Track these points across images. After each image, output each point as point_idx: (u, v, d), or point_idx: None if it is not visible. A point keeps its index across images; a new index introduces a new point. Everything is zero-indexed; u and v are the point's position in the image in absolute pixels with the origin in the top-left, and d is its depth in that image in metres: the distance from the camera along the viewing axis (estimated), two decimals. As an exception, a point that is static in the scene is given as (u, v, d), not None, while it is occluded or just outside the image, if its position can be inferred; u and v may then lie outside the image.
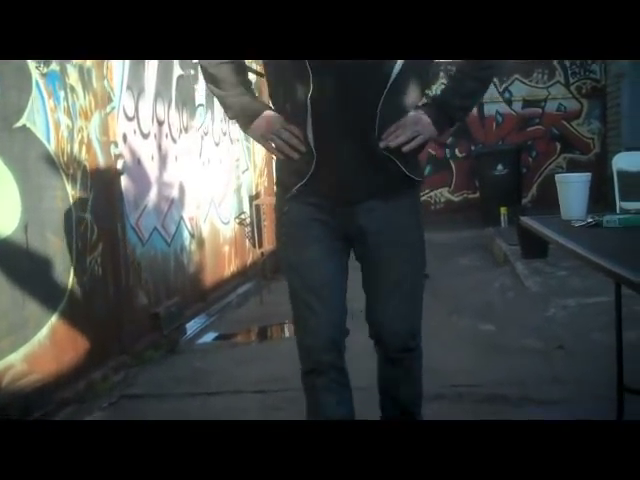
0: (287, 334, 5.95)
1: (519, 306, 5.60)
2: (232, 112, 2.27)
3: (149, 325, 4.71)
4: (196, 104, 5.84)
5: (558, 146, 12.99)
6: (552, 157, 13.00)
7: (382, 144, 2.08)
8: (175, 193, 5.33)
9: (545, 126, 12.93)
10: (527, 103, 12.98)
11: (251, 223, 7.33)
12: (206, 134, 6.12)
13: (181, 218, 5.43)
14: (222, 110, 2.39)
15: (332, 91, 2.05)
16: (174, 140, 5.33)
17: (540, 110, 12.96)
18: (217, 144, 6.43)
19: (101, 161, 4.14)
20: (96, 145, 4.10)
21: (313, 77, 2.03)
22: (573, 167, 12.86)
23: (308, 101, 2.06)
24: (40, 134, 3.53)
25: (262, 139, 2.22)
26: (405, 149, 2.10)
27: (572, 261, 6.91)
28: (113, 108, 4.25)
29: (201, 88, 5.97)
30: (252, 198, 7.52)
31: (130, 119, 4.59)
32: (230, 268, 6.69)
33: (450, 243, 9.56)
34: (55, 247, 3.64)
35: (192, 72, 5.66)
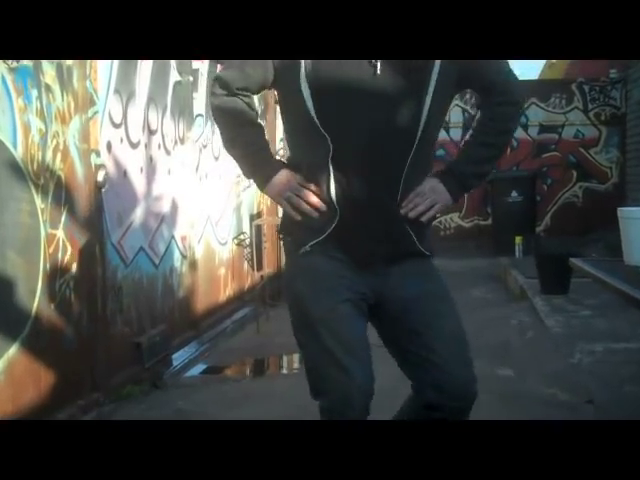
0: (284, 369, 5.45)
1: (540, 349, 5.08)
2: (249, 171, 2.19)
3: (129, 357, 4.22)
4: (194, 114, 5.36)
5: (574, 174, 12.57)
6: (568, 185, 12.58)
7: (403, 211, 2.06)
8: (166, 210, 4.84)
9: (561, 153, 12.52)
10: (544, 128, 12.56)
11: (251, 244, 6.86)
12: (205, 147, 5.65)
13: (172, 237, 4.95)
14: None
15: (355, 153, 2.00)
16: (168, 151, 4.85)
17: (557, 136, 12.56)
18: (217, 158, 5.95)
19: (79, 171, 3.66)
20: (74, 153, 3.62)
21: (331, 140, 1.98)
22: (589, 197, 12.43)
23: (329, 163, 2.01)
24: (5, 137, 3.05)
25: (278, 197, 2.13)
26: (424, 218, 2.09)
27: (595, 299, 6.40)
28: (96, 112, 3.77)
29: (200, 96, 5.51)
30: (253, 217, 7.05)
31: (117, 126, 4.11)
32: (226, 292, 6.19)
33: (460, 272, 9.01)
34: (17, 268, 3.15)
35: (191, 79, 5.20)
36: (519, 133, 12.60)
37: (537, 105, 12.58)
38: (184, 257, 5.16)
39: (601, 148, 12.52)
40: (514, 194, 10.98)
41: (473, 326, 6.07)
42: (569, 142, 12.49)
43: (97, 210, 3.79)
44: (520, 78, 2.20)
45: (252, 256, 6.93)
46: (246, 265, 6.73)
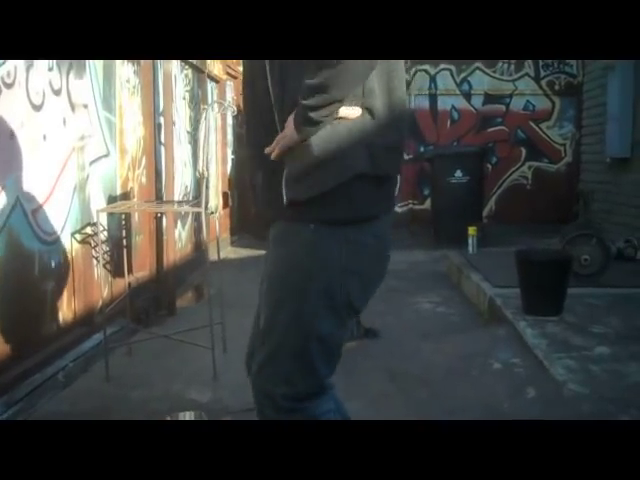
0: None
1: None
2: None
3: None
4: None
5: (523, 152, 10.98)
6: (515, 165, 10.99)
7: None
8: None
9: (509, 127, 10.87)
10: (489, 98, 10.87)
11: (109, 239, 4.70)
12: (10, 86, 3.43)
13: None
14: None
15: None
16: None
17: (504, 107, 10.93)
18: (37, 107, 3.73)
19: None
20: None
21: None
22: (540, 178, 10.74)
23: None
24: None
25: None
26: (272, 157, 1.88)
27: (602, 325, 4.46)
28: None
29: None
30: (115, 200, 4.86)
31: None
32: (57, 317, 4.01)
33: (396, 270, 6.98)
34: None
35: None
36: (461, 102, 10.84)
37: (481, 71, 10.90)
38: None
39: (554, 122, 11.02)
40: (458, 174, 9.14)
41: (434, 371, 3.95)
42: (518, 115, 10.92)
43: None
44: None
45: (112, 257, 4.79)
46: (99, 271, 4.54)
